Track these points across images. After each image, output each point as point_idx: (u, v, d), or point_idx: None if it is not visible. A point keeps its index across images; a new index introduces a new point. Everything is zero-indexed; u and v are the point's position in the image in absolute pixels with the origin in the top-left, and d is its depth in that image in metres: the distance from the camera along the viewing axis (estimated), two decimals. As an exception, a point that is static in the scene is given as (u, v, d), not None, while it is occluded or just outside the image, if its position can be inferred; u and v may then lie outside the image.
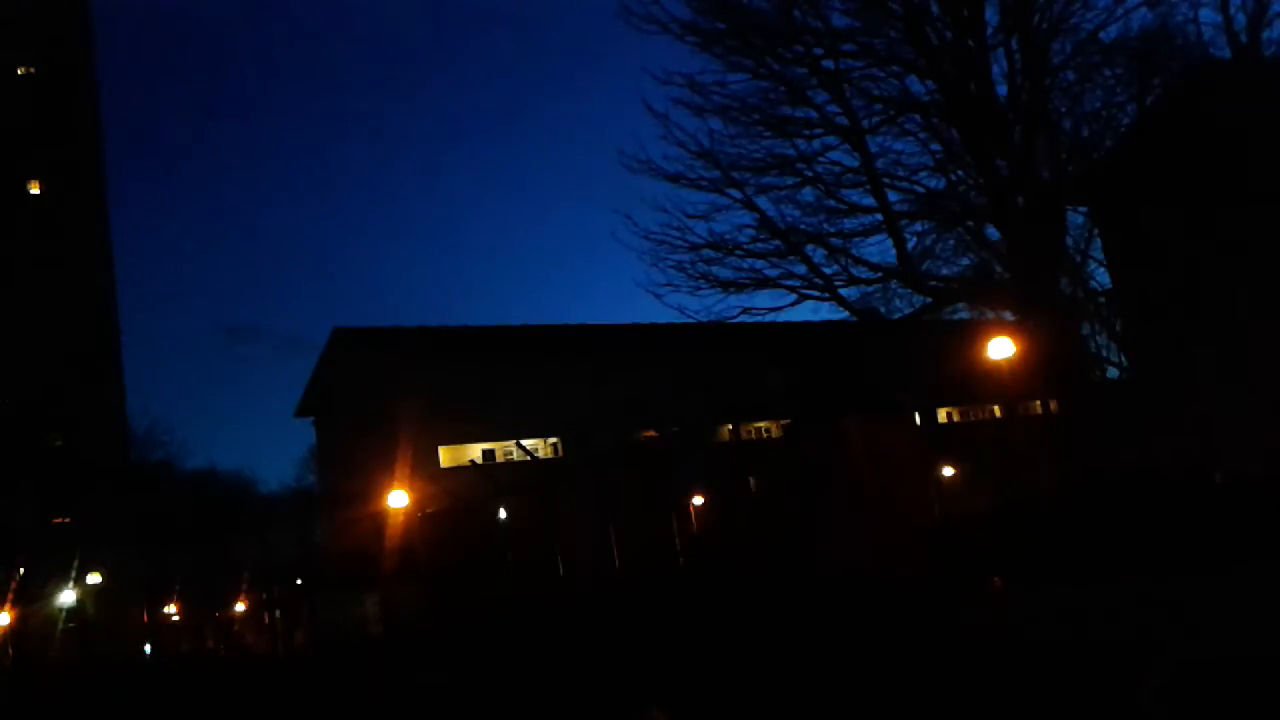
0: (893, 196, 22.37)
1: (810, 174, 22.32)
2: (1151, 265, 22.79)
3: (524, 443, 44.31)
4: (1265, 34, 23.36)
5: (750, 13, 21.99)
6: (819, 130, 22.28)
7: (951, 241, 23.39)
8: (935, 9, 21.55)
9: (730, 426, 48.60)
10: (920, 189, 22.65)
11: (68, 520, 52.46)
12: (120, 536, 51.84)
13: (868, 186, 22.26)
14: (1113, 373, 27.00)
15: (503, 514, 34.52)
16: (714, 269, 22.11)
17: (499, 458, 45.85)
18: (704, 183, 22.12)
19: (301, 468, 66.39)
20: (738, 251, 22.21)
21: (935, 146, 22.56)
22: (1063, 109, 22.50)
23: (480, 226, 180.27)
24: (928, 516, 18.08)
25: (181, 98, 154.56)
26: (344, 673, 21.59)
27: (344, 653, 30.00)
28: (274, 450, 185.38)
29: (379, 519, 37.26)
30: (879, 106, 22.18)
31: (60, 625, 47.14)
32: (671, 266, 22.13)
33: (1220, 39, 23.82)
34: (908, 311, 23.94)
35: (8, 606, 42.57)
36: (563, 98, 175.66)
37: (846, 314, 23.25)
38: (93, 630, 47.41)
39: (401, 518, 35.34)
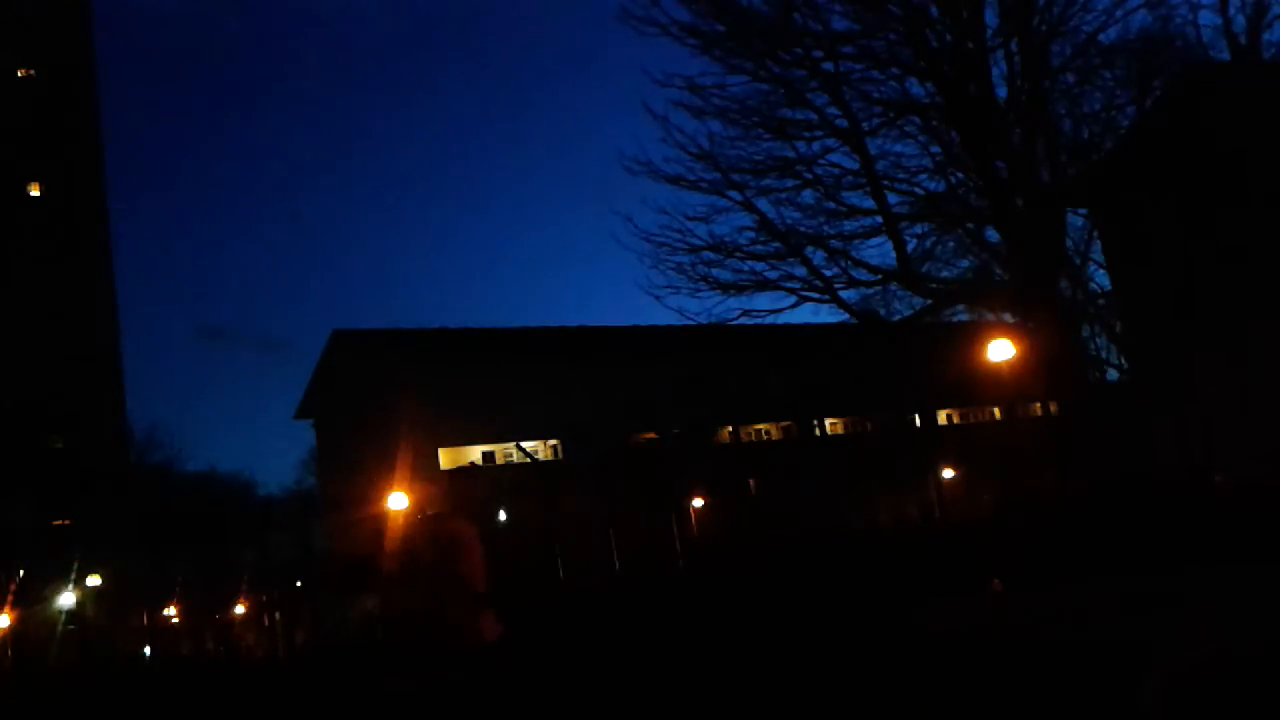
0: (892, 199, 22.42)
1: (810, 176, 22.36)
2: (1151, 267, 22.80)
3: (524, 444, 44.34)
4: (1265, 36, 23.42)
5: (750, 15, 22.01)
6: (819, 132, 22.32)
7: (951, 244, 23.46)
8: (935, 11, 21.59)
9: (730, 428, 48.65)
10: (920, 191, 22.69)
11: (68, 522, 52.42)
12: (120, 538, 51.80)
13: (868, 189, 22.29)
14: (1113, 374, 27.04)
15: (503, 516, 34.55)
16: (714, 271, 22.14)
17: (499, 460, 45.86)
18: (704, 185, 22.16)
19: (302, 470, 66.36)
20: (738, 254, 22.23)
21: (935, 149, 22.61)
22: (1062, 111, 22.58)
23: (480, 228, 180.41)
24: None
25: (181, 98, 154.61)
26: (344, 675, 21.54)
27: (344, 655, 29.93)
28: (274, 453, 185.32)
29: (379, 521, 37.27)
30: (879, 109, 22.21)
31: (60, 627, 47.10)
32: (672, 269, 22.16)
33: (1220, 41, 23.89)
34: (907, 314, 23.96)
35: (7, 608, 42.52)
36: (562, 99, 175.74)
37: (846, 316, 23.25)
38: (92, 632, 47.38)
39: (401, 520, 35.34)
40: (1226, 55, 24.00)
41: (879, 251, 26.63)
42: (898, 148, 22.72)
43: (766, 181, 22.35)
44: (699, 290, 22.12)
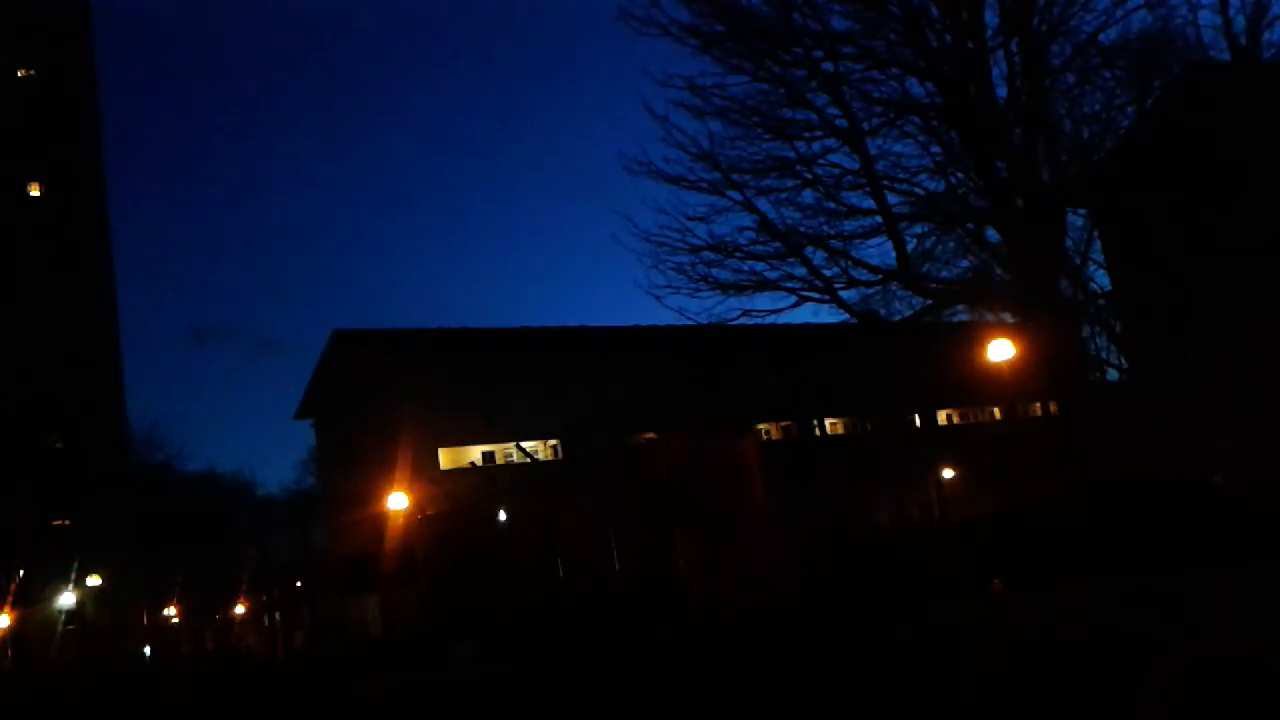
0: (892, 199, 22.43)
1: (810, 176, 22.37)
2: (1151, 267, 22.81)
3: (524, 444, 44.31)
4: (1265, 36, 23.44)
5: (750, 15, 22.03)
6: (819, 132, 22.33)
7: (951, 244, 23.42)
8: (935, 11, 21.60)
9: (730, 428, 48.53)
10: (920, 191, 22.69)
11: (68, 522, 52.41)
12: (120, 538, 51.80)
13: (868, 189, 22.30)
14: (1113, 374, 27.04)
15: (502, 516, 34.53)
16: (714, 271, 22.15)
17: (499, 459, 45.85)
18: (704, 185, 22.17)
19: (302, 470, 66.48)
20: (738, 254, 22.24)
21: (935, 149, 22.61)
22: (1062, 111, 22.56)
23: (481, 229, 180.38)
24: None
25: (180, 98, 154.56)
26: (344, 675, 21.57)
27: (344, 654, 29.98)
28: (274, 453, 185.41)
29: (379, 521, 37.27)
30: (879, 109, 22.23)
31: (60, 627, 47.11)
32: (672, 269, 22.17)
33: (1220, 41, 23.90)
34: (907, 314, 23.94)
35: (7, 608, 42.53)
36: (562, 100, 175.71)
37: (846, 316, 23.25)
38: (92, 632, 47.40)
39: (401, 519, 35.34)
40: (1226, 55, 24.01)
41: (879, 251, 26.59)
42: (898, 148, 22.75)
43: (766, 181, 22.38)
44: (699, 290, 22.15)
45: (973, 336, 23.68)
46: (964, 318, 26.05)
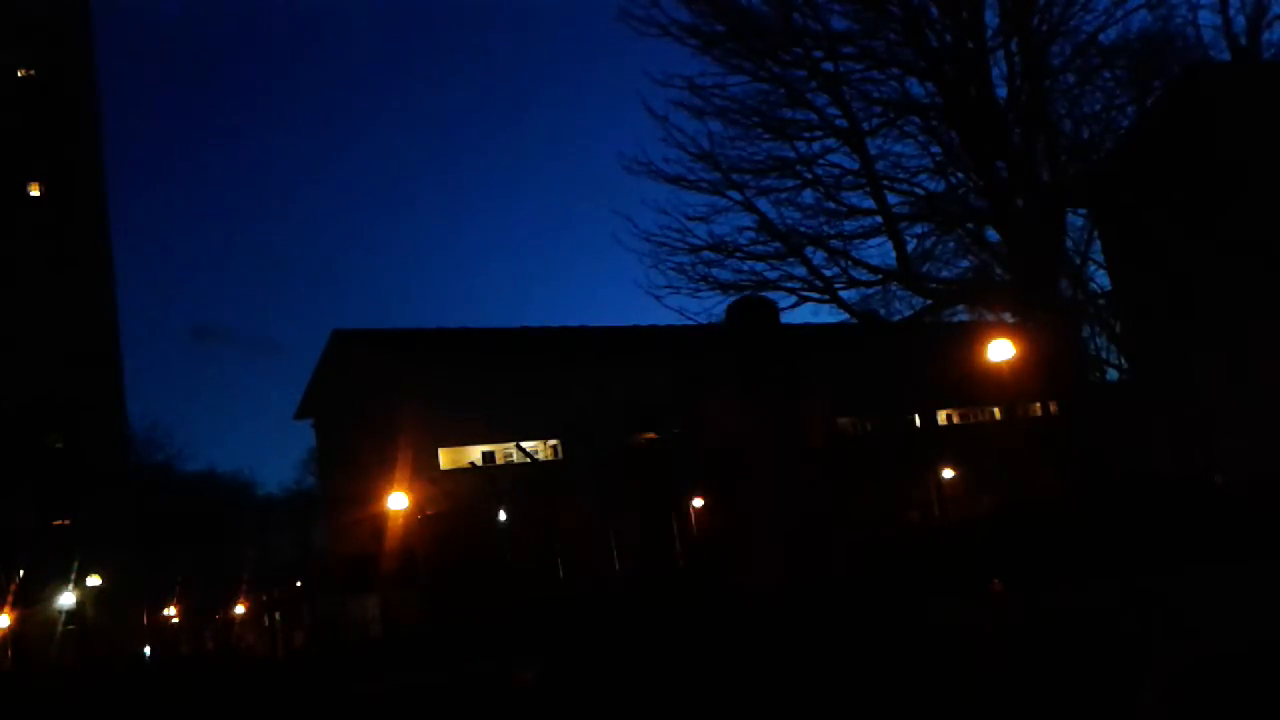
0: (892, 199, 22.37)
1: (810, 176, 22.32)
2: (1151, 267, 22.81)
3: (524, 444, 44.33)
4: (1265, 36, 23.45)
5: (750, 15, 22.00)
6: (819, 132, 22.28)
7: (951, 244, 23.36)
8: (934, 11, 21.57)
9: (730, 428, 48.48)
10: (920, 191, 22.63)
11: (68, 522, 52.44)
12: (120, 538, 51.82)
13: (868, 189, 22.26)
14: (1113, 374, 27.04)
15: (503, 516, 34.55)
16: (714, 271, 22.10)
17: (499, 459, 45.87)
18: (704, 185, 22.12)
19: (302, 470, 66.50)
20: (738, 254, 22.20)
21: (935, 149, 22.56)
22: (1062, 111, 22.53)
23: (480, 228, 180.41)
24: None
25: (180, 98, 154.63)
26: (344, 675, 21.55)
27: (344, 654, 29.98)
28: (274, 453, 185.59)
29: (379, 521, 37.31)
30: (879, 109, 22.19)
31: (60, 627, 47.13)
32: (672, 269, 22.12)
33: (1220, 41, 23.91)
34: (908, 314, 23.90)
35: (8, 608, 42.54)
36: (562, 100, 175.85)
37: (846, 316, 23.24)
38: (92, 632, 47.41)
39: (401, 519, 35.38)
40: (1226, 55, 24.01)
41: (879, 251, 26.56)
42: (898, 148, 22.68)
43: (767, 181, 22.33)
44: (699, 290, 22.10)
45: (973, 336, 23.69)
46: (964, 318, 26.05)
